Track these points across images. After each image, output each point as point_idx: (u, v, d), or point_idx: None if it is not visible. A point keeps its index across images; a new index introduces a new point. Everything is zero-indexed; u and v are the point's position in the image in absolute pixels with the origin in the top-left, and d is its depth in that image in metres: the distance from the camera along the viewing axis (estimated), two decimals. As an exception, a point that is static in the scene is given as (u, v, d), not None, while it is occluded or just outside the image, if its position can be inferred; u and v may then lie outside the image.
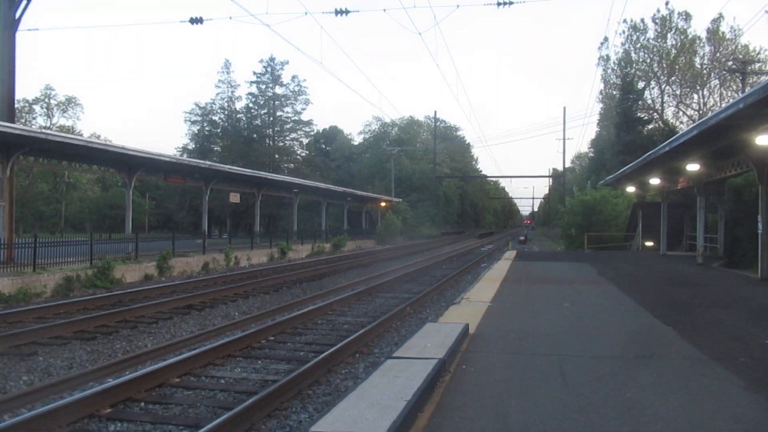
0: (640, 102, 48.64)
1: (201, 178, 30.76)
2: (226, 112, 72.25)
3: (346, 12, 18.60)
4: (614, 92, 53.10)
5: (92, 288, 16.82)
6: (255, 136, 71.16)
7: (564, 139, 72.83)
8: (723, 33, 47.27)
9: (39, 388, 6.86)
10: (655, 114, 50.53)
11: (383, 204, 56.74)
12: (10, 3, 18.49)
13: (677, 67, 48.09)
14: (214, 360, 8.24)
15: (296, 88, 72.24)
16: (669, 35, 48.80)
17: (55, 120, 66.46)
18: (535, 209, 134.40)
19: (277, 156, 71.73)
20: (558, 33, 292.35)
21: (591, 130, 76.79)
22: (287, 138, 74.63)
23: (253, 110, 72.34)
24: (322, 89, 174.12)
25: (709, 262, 21.33)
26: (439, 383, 5.45)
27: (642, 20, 49.86)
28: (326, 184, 49.32)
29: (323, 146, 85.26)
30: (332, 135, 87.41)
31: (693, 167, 20.08)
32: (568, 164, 74.84)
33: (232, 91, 71.89)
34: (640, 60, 50.78)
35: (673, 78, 49.25)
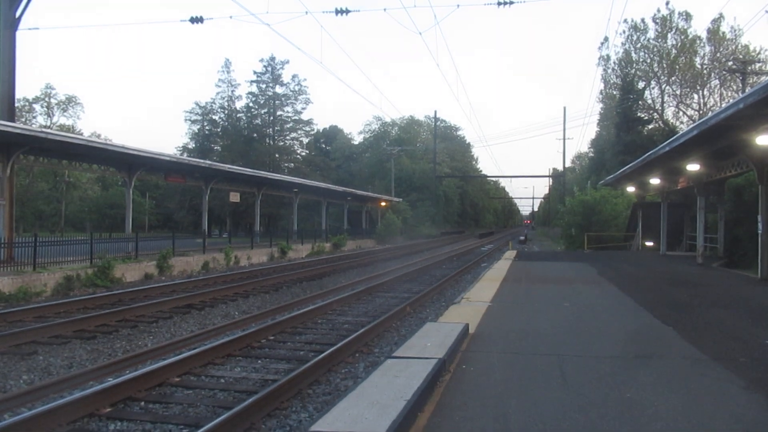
0: (640, 102, 48.64)
1: (201, 178, 30.77)
2: (227, 112, 72.30)
3: (347, 11, 18.60)
4: (614, 92, 53.10)
5: (92, 287, 16.82)
6: (255, 135, 71.18)
7: (564, 139, 72.99)
8: (723, 33, 47.29)
9: (39, 387, 6.86)
10: (656, 114, 50.52)
11: (383, 204, 56.74)
12: (10, 2, 18.49)
13: (677, 67, 48.08)
14: (214, 359, 8.24)
15: (296, 88, 72.34)
16: (669, 35, 48.81)
17: (55, 119, 66.59)
18: (535, 209, 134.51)
19: (277, 155, 71.74)
20: (558, 33, 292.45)
21: (591, 130, 76.81)
22: (287, 137, 74.67)
23: (253, 110, 72.37)
24: (322, 89, 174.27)
25: (709, 262, 21.33)
26: (439, 383, 5.45)
27: (642, 20, 49.92)
28: (326, 183, 49.33)
29: (323, 146, 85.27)
30: (332, 134, 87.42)
31: (693, 167, 20.08)
32: (568, 164, 74.95)
33: (233, 91, 72.01)
34: (641, 60, 50.79)
35: (673, 78, 49.24)
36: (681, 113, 50.47)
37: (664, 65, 49.17)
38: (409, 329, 10.60)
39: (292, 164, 72.46)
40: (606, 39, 53.87)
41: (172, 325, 11.43)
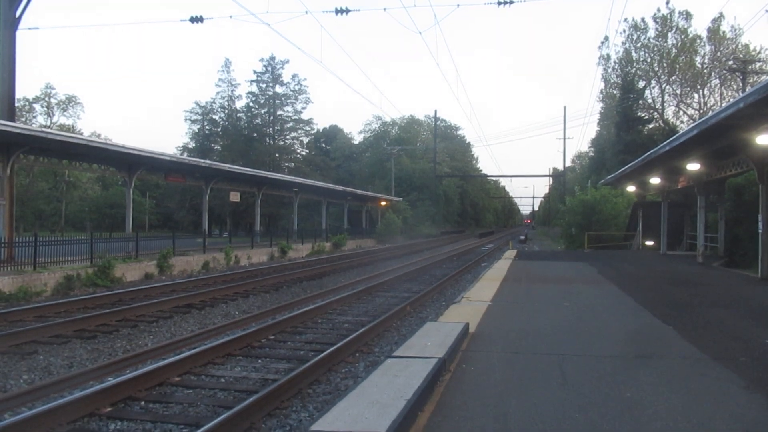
0: (640, 101, 48.62)
1: (201, 177, 30.77)
2: (227, 111, 72.31)
3: (347, 11, 18.60)
4: (615, 91, 53.07)
5: (93, 287, 16.83)
6: (255, 135, 71.19)
7: (564, 138, 73.08)
8: (723, 32, 47.26)
9: (39, 386, 6.86)
10: (656, 113, 50.51)
11: (383, 203, 56.75)
12: (10, 2, 18.49)
13: (678, 66, 48.06)
14: (215, 359, 8.24)
15: (296, 87, 72.34)
16: (669, 34, 48.79)
17: (55, 119, 66.59)
18: (536, 209, 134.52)
19: (277, 155, 71.75)
20: (558, 32, 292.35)
21: (591, 130, 76.87)
22: (287, 137, 74.67)
23: (253, 109, 72.37)
24: (322, 88, 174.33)
25: (709, 262, 21.33)
26: (439, 382, 5.45)
27: (642, 19, 49.89)
28: (326, 183, 49.34)
29: (323, 145, 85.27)
30: (332, 134, 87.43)
31: (693, 167, 20.08)
32: (568, 163, 74.99)
33: (233, 90, 72.01)
34: (641, 59, 50.76)
35: (673, 77, 49.22)
36: (681, 113, 50.51)
37: (665, 64, 49.15)
38: (409, 329, 10.61)
39: (292, 164, 72.47)
40: (606, 38, 53.92)
41: (173, 325, 11.43)
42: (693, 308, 10.55)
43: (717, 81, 47.76)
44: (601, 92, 56.72)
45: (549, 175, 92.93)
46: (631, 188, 33.10)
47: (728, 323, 9.09)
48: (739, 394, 5.21)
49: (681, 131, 22.54)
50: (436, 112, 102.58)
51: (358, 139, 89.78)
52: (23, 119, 60.53)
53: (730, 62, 42.80)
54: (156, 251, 21.40)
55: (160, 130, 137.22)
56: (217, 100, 71.65)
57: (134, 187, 26.22)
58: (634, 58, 50.72)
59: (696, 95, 49.50)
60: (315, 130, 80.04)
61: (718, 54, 47.41)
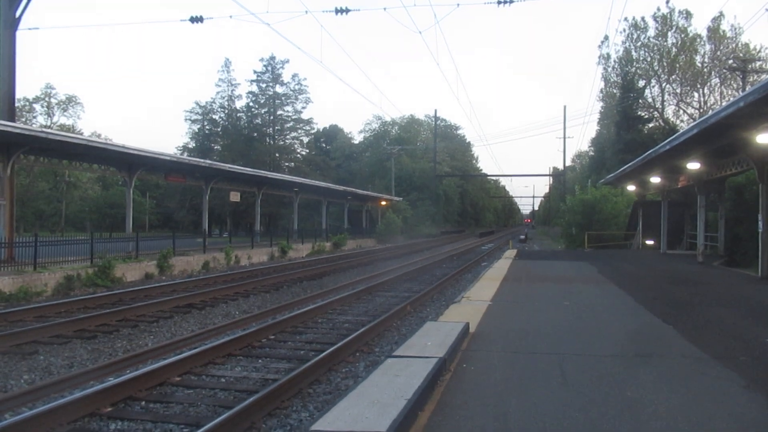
0: (640, 100, 48.59)
1: (201, 177, 30.77)
2: (227, 111, 72.30)
3: (347, 11, 18.59)
4: (615, 91, 53.05)
5: (93, 287, 16.83)
6: (255, 134, 71.17)
7: (564, 137, 72.69)
8: (723, 31, 47.25)
9: (40, 386, 6.87)
10: (656, 112, 50.49)
11: (383, 203, 56.74)
12: (10, 2, 18.49)
13: (678, 65, 48.04)
14: (215, 359, 8.25)
15: (297, 87, 72.30)
16: (669, 33, 48.77)
17: (55, 119, 66.60)
18: (536, 208, 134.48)
19: (277, 155, 71.74)
20: (558, 32, 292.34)
21: (591, 129, 76.88)
22: (287, 137, 74.65)
23: (253, 109, 72.35)
24: (322, 88, 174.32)
25: (709, 261, 21.33)
26: (439, 382, 5.46)
27: (642, 18, 49.86)
28: (327, 183, 49.33)
29: (323, 145, 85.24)
30: (332, 134, 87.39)
31: (693, 166, 20.07)
32: (568, 163, 74.94)
33: (233, 90, 72.00)
34: (641, 58, 50.74)
35: (673, 76, 49.20)
36: (681, 112, 50.49)
37: (665, 64, 49.14)
38: (409, 328, 10.61)
39: (293, 164, 72.47)
40: (606, 38, 53.83)
41: (173, 325, 11.44)
42: (693, 307, 10.55)
43: (717, 80, 47.78)
44: (601, 91, 56.76)
45: (549, 175, 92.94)
46: (631, 187, 33.09)
47: (728, 322, 9.09)
48: (739, 393, 5.21)
49: (681, 130, 22.52)
50: (436, 111, 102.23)
51: (358, 138, 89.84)
52: (23, 119, 60.53)
53: (730, 61, 42.78)
54: (156, 251, 21.40)
55: (160, 130, 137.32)
56: (217, 99, 71.75)
57: (134, 187, 26.22)
58: (634, 58, 50.72)
59: (696, 94, 49.53)
60: (315, 130, 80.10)
61: (718, 53, 47.40)
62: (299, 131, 75.48)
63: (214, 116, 72.31)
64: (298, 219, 42.84)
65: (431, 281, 18.60)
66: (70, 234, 42.35)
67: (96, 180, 66.97)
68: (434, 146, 72.86)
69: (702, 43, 48.07)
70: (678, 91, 49.93)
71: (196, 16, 18.99)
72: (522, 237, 56.38)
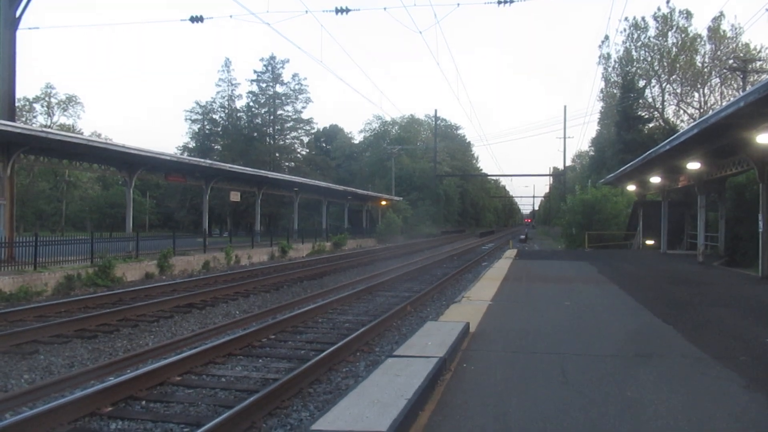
0: (640, 100, 48.58)
1: (201, 177, 30.77)
2: (227, 111, 72.32)
3: (347, 10, 18.59)
4: (615, 91, 53.03)
5: (93, 286, 16.83)
6: (255, 134, 71.19)
7: (564, 137, 72.89)
8: (724, 31, 47.23)
9: (40, 386, 6.87)
10: (656, 112, 50.48)
11: (384, 203, 56.74)
12: (10, 2, 18.49)
13: (678, 65, 48.03)
14: (215, 358, 8.25)
15: (297, 87, 72.33)
16: (670, 33, 48.76)
17: (55, 118, 66.59)
18: (536, 208, 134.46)
19: (277, 155, 71.76)
20: (558, 32, 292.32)
21: (591, 129, 76.84)
22: (288, 136, 74.67)
23: (253, 109, 72.37)
24: (322, 88, 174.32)
25: (709, 261, 21.32)
26: (439, 382, 5.46)
27: (643, 18, 49.84)
28: (327, 182, 49.34)
29: (324, 145, 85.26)
30: (333, 133, 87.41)
31: (693, 166, 20.07)
32: (568, 163, 74.95)
33: (233, 90, 72.03)
34: (641, 58, 50.73)
35: (673, 76, 49.19)
36: (681, 112, 50.48)
37: (665, 64, 49.13)
38: (409, 328, 10.61)
39: (293, 163, 72.49)
40: (606, 37, 53.82)
41: (173, 325, 11.44)
42: (693, 307, 10.55)
43: (717, 80, 47.75)
44: (602, 91, 56.74)
45: (549, 175, 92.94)
46: (631, 187, 33.09)
47: (728, 322, 9.09)
48: (739, 393, 5.21)
49: (681, 130, 22.52)
50: (436, 111, 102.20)
51: (358, 138, 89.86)
52: (23, 119, 60.53)
53: (731, 61, 42.78)
54: (156, 251, 21.41)
55: (160, 129, 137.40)
56: (218, 99, 71.78)
57: (134, 187, 26.24)
58: (634, 57, 50.71)
59: (696, 94, 49.53)
60: (315, 130, 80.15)
61: (719, 53, 47.39)
62: (299, 131, 75.55)
63: (214, 116, 72.37)
64: (298, 219, 42.84)
65: (431, 281, 18.60)
66: (71, 234, 42.36)
67: (96, 180, 66.95)
68: (434, 146, 72.86)
69: (702, 43, 48.11)
70: (678, 91, 49.95)
71: (197, 16, 19.00)
72: (522, 237, 56.38)
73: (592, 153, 69.23)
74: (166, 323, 11.54)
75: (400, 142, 74.73)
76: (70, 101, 66.79)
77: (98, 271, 17.42)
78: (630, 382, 5.47)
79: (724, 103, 23.32)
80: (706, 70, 48.16)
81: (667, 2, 48.75)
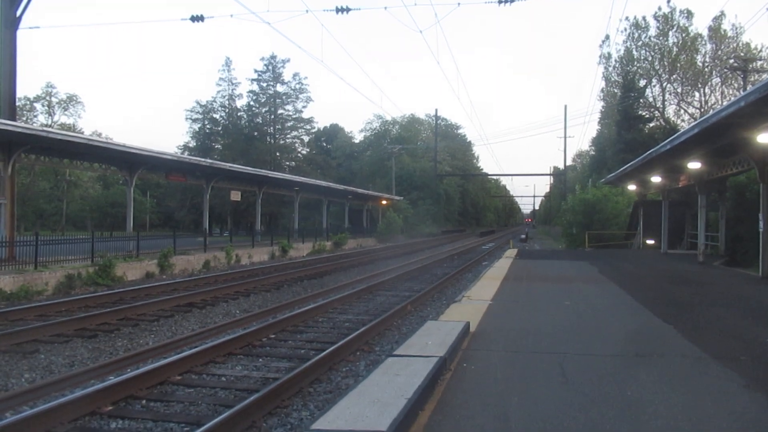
0: (641, 100, 48.55)
1: (202, 176, 30.77)
2: (227, 110, 72.32)
3: (347, 10, 18.59)
4: (615, 90, 52.99)
5: (93, 286, 16.84)
6: (256, 134, 71.19)
7: (565, 137, 72.33)
8: (725, 31, 47.19)
9: (41, 385, 6.88)
10: (657, 112, 50.45)
11: (384, 202, 56.72)
12: (11, 1, 18.50)
13: (679, 65, 48.00)
14: (216, 358, 8.25)
15: (297, 86, 72.34)
16: (671, 33, 48.71)
17: (56, 118, 66.55)
18: (536, 207, 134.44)
19: (278, 154, 71.78)
20: (559, 31, 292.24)
21: (592, 128, 76.80)
22: (288, 136, 74.69)
23: (254, 108, 72.38)
24: (323, 87, 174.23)
25: (710, 261, 21.31)
26: (440, 381, 5.46)
27: (644, 18, 49.78)
28: (327, 182, 49.33)
29: (324, 144, 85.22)
30: (333, 133, 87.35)
31: (694, 165, 20.05)
32: (569, 162, 74.73)
33: (233, 89, 72.02)
34: (642, 58, 50.68)
35: (674, 76, 49.16)
36: (682, 111, 50.45)
37: (666, 63, 49.09)
38: (410, 328, 10.61)
39: (293, 163, 72.51)
40: (607, 37, 53.87)
41: (174, 324, 11.45)
42: (693, 307, 10.55)
43: (718, 79, 47.72)
44: (602, 91, 56.66)
45: (550, 174, 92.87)
46: (631, 187, 33.07)
47: (729, 322, 9.09)
48: (739, 393, 5.21)
49: (682, 130, 22.50)
50: (436, 110, 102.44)
51: (358, 138, 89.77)
52: (24, 118, 60.54)
53: (731, 61, 42.74)
54: (157, 250, 21.41)
55: (160, 129, 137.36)
56: (218, 99, 71.76)
57: (135, 186, 26.24)
58: (635, 57, 50.67)
59: (697, 94, 49.49)
60: (316, 129, 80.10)
61: (719, 52, 47.35)
62: (300, 130, 75.56)
63: (214, 115, 72.36)
64: (298, 218, 42.85)
65: (432, 280, 18.60)
66: (71, 233, 42.37)
67: (97, 179, 66.94)
68: (435, 145, 72.84)
69: (703, 42, 48.06)
70: (679, 90, 49.91)
71: (197, 15, 19.01)
72: (523, 236, 56.38)
73: (592, 152, 69.17)
74: (167, 322, 11.54)
75: (400, 141, 74.68)
76: (70, 101, 66.85)
77: (99, 271, 17.43)
78: (630, 381, 5.47)
79: (725, 103, 23.31)
80: (706, 69, 48.12)
81: (668, 2, 48.74)
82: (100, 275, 17.32)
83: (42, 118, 65.42)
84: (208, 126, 71.99)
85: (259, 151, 66.92)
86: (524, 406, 4.78)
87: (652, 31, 49.41)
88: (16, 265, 16.34)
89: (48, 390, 6.75)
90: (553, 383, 5.44)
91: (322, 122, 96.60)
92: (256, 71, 71.96)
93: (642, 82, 49.77)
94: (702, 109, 46.72)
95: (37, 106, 65.69)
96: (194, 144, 71.12)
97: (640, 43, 50.21)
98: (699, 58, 48.23)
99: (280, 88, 71.74)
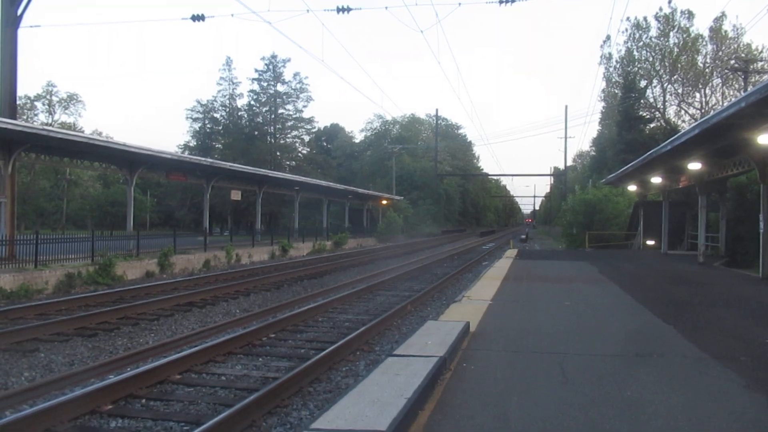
0: (642, 100, 48.54)
1: (202, 176, 30.77)
2: (228, 110, 72.36)
3: (348, 10, 18.59)
4: (616, 91, 52.97)
5: (93, 285, 16.84)
6: (256, 133, 71.22)
7: (566, 137, 72.26)
8: (725, 32, 47.16)
9: (40, 384, 6.88)
10: (657, 113, 50.43)
11: (384, 202, 56.72)
12: (11, 0, 18.50)
13: (679, 65, 47.98)
14: (215, 357, 8.25)
15: (298, 86, 72.39)
16: (671, 34, 48.69)
17: (56, 117, 66.61)
18: (537, 208, 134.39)
19: (278, 153, 71.82)
20: (560, 31, 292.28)
21: (592, 129, 76.77)
22: (288, 135, 74.73)
23: (254, 107, 72.44)
24: (323, 87, 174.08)
25: (710, 261, 21.31)
26: (439, 381, 5.46)
27: (645, 18, 49.78)
28: (327, 181, 49.34)
29: (325, 144, 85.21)
30: (334, 133, 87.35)
31: (694, 166, 20.05)
32: (569, 162, 74.72)
33: (234, 89, 72.06)
34: (643, 58, 50.65)
35: (675, 76, 49.14)
36: (683, 112, 50.43)
37: (666, 64, 49.07)
38: (410, 327, 10.61)
39: (294, 162, 72.54)
40: (608, 37, 53.90)
41: (174, 323, 11.45)
42: (693, 307, 10.55)
43: (719, 80, 47.72)
44: (603, 91, 56.65)
45: (550, 174, 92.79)
46: (632, 187, 33.06)
47: (729, 323, 9.09)
48: (739, 393, 5.21)
49: (682, 131, 22.51)
50: (437, 110, 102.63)
51: (359, 137, 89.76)
52: (25, 117, 60.58)
53: (732, 61, 42.76)
54: (157, 249, 21.41)
55: (161, 128, 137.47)
56: (219, 98, 71.81)
57: (135, 186, 26.25)
58: (635, 57, 50.65)
59: (698, 94, 49.48)
60: (316, 129, 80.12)
61: (720, 53, 47.34)
62: (300, 130, 75.59)
63: (215, 115, 72.41)
64: (299, 218, 42.85)
65: (432, 280, 18.60)
66: (71, 232, 42.35)
67: (97, 178, 66.97)
68: (435, 145, 72.85)
69: (704, 43, 48.04)
70: (679, 91, 49.89)
71: (198, 15, 19.02)
72: (523, 236, 56.37)
73: (593, 153, 69.17)
74: (167, 321, 11.54)
75: (401, 141, 74.66)
76: (71, 99, 66.92)
77: (99, 270, 17.43)
78: (630, 381, 5.47)
79: (726, 104, 23.31)
80: (707, 70, 48.11)
81: (669, 2, 48.73)
82: (100, 274, 17.32)
83: (42, 117, 65.55)
84: (208, 125, 72.02)
85: (259, 151, 66.93)
86: (524, 406, 4.78)
87: (653, 32, 49.46)
88: (17, 263, 16.34)
89: (48, 389, 6.75)
90: (553, 383, 5.44)
91: (322, 122, 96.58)
92: (256, 71, 72.09)
93: (643, 83, 49.76)
94: (703, 110, 46.70)
95: (38, 104, 65.83)
96: (195, 143, 71.16)
97: (640, 44, 50.21)
98: (700, 58, 48.23)
99: (280, 87, 71.88)
